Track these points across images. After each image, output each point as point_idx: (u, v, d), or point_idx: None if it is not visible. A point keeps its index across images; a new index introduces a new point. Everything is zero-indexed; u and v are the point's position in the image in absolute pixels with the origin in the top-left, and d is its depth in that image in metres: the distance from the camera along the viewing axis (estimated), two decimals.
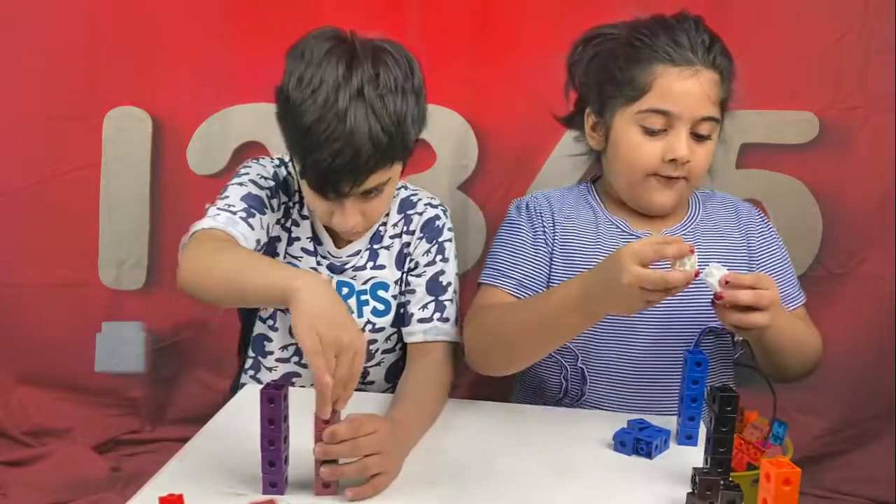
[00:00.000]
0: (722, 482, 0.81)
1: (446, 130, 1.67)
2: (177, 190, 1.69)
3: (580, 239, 1.18)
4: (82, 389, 1.77)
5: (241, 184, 1.14)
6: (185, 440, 0.98)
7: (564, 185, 1.32)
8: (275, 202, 1.16)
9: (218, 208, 1.09)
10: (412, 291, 1.21)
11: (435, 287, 1.20)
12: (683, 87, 1.08)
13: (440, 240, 1.22)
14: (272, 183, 1.17)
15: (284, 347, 1.26)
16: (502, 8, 1.61)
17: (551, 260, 1.17)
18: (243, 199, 1.11)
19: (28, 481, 1.66)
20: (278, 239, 1.21)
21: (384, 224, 1.23)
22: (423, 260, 1.21)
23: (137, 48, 1.64)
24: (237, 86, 1.62)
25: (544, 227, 1.19)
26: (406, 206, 1.25)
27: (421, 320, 1.19)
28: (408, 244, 1.23)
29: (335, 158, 1.00)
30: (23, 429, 1.75)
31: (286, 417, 0.85)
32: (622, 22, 1.18)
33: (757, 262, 1.20)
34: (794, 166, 1.64)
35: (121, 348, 1.74)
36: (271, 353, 1.27)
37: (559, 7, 1.58)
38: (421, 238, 1.22)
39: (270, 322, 1.25)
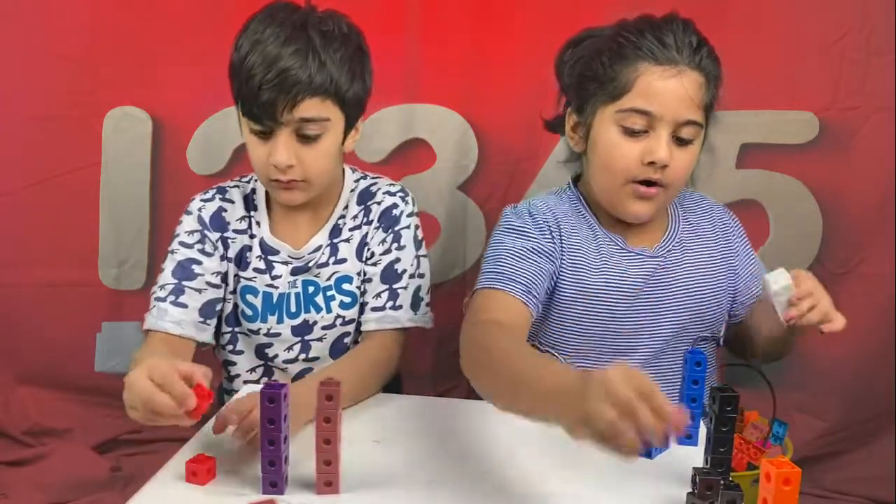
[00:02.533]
0: (722, 482, 0.81)
1: (446, 130, 1.67)
2: (177, 190, 1.68)
3: (583, 254, 1.14)
4: (82, 389, 1.77)
5: (172, 252, 1.19)
6: (185, 440, 0.97)
7: (564, 185, 1.31)
8: (208, 245, 1.20)
9: (154, 297, 1.15)
10: (369, 281, 1.22)
11: (389, 275, 1.21)
12: (666, 86, 1.04)
13: (397, 228, 1.23)
14: (198, 235, 1.19)
15: (252, 370, 1.27)
16: (502, 8, 1.62)
17: (560, 271, 1.12)
18: (174, 272, 1.17)
19: (28, 481, 1.66)
20: (226, 271, 1.22)
21: (343, 217, 1.24)
22: (379, 249, 1.22)
23: (137, 48, 1.64)
24: None
25: (552, 235, 1.13)
26: (366, 197, 1.25)
27: (374, 308, 1.21)
28: (366, 234, 1.24)
29: (267, 72, 1.05)
30: (23, 429, 1.75)
31: (286, 417, 0.85)
32: (610, 25, 1.16)
33: (734, 263, 1.20)
34: (794, 166, 1.64)
35: (121, 348, 1.74)
36: (238, 375, 1.27)
37: (559, 7, 1.58)
38: (378, 227, 1.23)
39: (231, 347, 1.26)
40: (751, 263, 1.21)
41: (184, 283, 1.16)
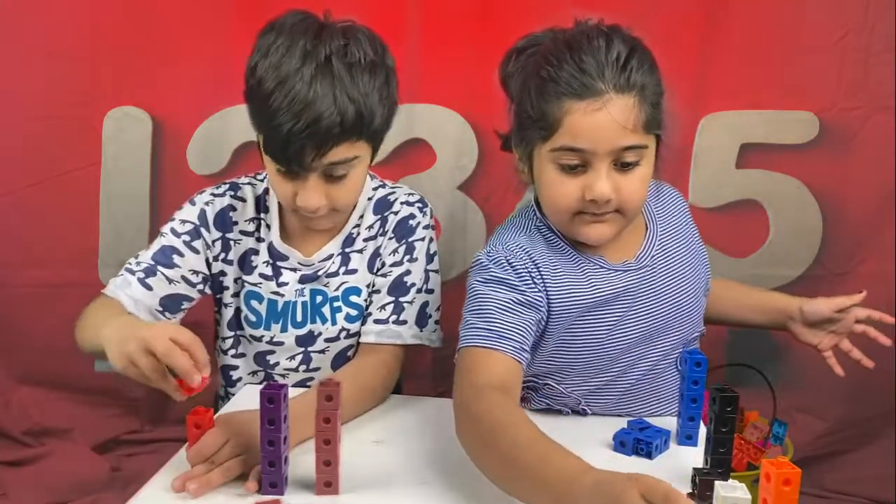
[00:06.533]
0: None
1: (446, 130, 1.67)
2: (177, 190, 1.69)
3: (570, 288, 1.07)
4: (82, 389, 1.77)
5: (163, 234, 1.17)
6: (185, 440, 0.97)
7: (529, 212, 1.18)
8: (198, 243, 1.17)
9: (126, 267, 1.15)
10: (377, 291, 1.18)
11: (397, 288, 1.17)
12: (592, 122, 0.96)
13: (410, 239, 1.18)
14: (191, 226, 1.17)
15: (253, 373, 1.25)
16: (502, 7, 1.62)
17: (549, 313, 1.05)
18: (155, 254, 1.15)
19: (28, 481, 1.66)
20: (222, 273, 1.20)
21: (358, 226, 1.20)
22: (390, 260, 1.18)
23: (137, 48, 1.65)
24: (237, 86, 1.61)
25: (535, 283, 1.05)
26: (383, 206, 1.21)
27: (377, 321, 1.16)
28: (380, 246, 1.20)
29: (296, 122, 1.00)
30: (23, 429, 1.75)
31: (286, 418, 0.85)
32: (551, 30, 1.08)
33: (694, 242, 1.17)
34: (794, 166, 1.64)
35: None
36: (239, 379, 1.25)
37: (559, 6, 1.57)
38: (391, 238, 1.19)
39: (233, 351, 1.24)
40: (698, 239, 1.19)
41: (159, 267, 1.13)
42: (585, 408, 1.11)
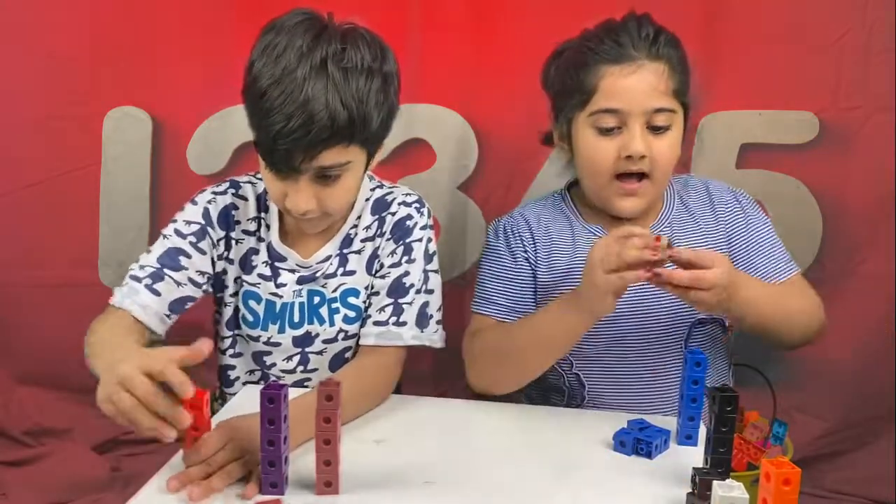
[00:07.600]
0: None
1: (446, 130, 1.67)
2: (177, 190, 1.69)
3: (560, 251, 1.19)
4: (82, 389, 1.75)
5: (165, 236, 1.15)
6: (184, 439, 0.97)
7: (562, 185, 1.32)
8: (204, 243, 1.16)
9: (130, 275, 1.11)
10: (376, 293, 1.18)
11: (396, 289, 1.16)
12: (627, 82, 1.10)
13: (408, 240, 1.18)
14: (197, 226, 1.16)
15: (251, 372, 1.25)
16: (502, 9, 1.62)
17: (535, 277, 1.19)
18: (160, 258, 1.13)
19: (28, 481, 1.66)
20: (224, 272, 1.20)
21: (355, 227, 1.20)
22: (388, 261, 1.18)
23: (137, 48, 1.65)
24: (237, 86, 1.61)
25: (525, 246, 1.21)
26: (380, 207, 1.21)
27: (377, 323, 1.16)
28: (378, 247, 1.20)
29: (287, 124, 0.99)
30: (23, 429, 1.75)
31: (286, 418, 0.85)
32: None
33: (736, 242, 1.19)
34: (794, 166, 1.64)
35: None
36: (237, 379, 1.25)
37: (559, 6, 1.58)
38: (389, 239, 1.19)
39: (231, 351, 1.24)
40: (753, 239, 1.20)
41: (166, 270, 1.11)
42: (580, 373, 1.17)
